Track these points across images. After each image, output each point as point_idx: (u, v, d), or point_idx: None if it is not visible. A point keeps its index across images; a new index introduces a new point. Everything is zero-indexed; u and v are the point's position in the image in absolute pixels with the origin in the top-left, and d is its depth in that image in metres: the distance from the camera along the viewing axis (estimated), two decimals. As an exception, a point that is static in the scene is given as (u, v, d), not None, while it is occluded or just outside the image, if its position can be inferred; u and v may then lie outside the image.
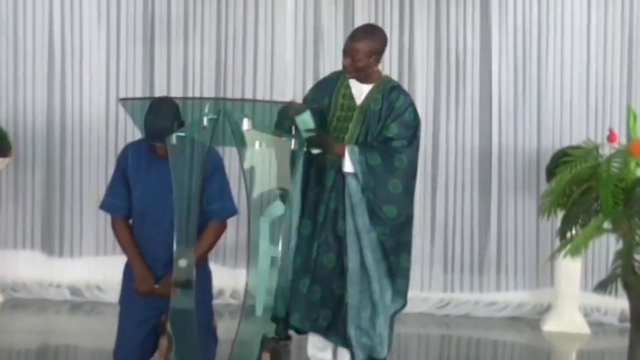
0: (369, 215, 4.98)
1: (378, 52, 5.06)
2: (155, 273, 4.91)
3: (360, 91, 5.12)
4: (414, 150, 5.06)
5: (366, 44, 4.99)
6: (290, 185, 5.08)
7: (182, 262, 4.75)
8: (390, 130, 5.02)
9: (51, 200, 7.44)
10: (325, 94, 5.18)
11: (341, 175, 5.03)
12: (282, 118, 5.00)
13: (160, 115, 4.73)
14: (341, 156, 4.99)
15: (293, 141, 4.81)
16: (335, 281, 5.07)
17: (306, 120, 4.86)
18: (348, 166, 4.98)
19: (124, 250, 5.01)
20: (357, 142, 5.05)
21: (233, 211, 5.04)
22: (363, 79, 5.10)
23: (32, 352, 6.28)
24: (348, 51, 5.03)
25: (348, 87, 5.15)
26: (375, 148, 5.01)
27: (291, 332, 5.21)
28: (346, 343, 5.07)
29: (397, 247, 5.05)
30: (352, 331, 5.03)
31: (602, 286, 4.75)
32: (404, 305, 5.17)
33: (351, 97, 5.13)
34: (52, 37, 7.41)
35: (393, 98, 5.07)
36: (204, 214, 4.85)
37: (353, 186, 4.99)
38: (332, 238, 5.09)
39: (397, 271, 5.08)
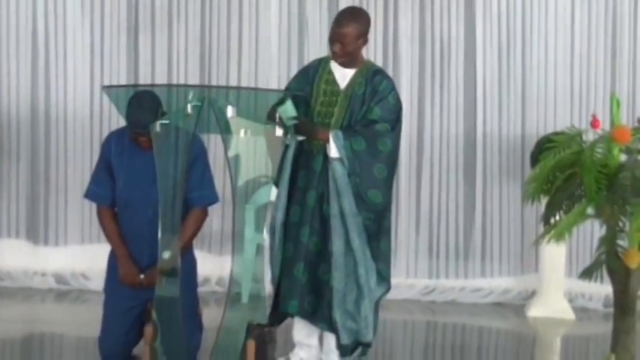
0: (355, 200, 5.00)
1: (364, 34, 5.08)
2: (140, 262, 4.91)
3: (343, 75, 5.12)
4: (397, 135, 5.09)
5: (353, 28, 5.01)
6: (275, 173, 5.08)
7: (165, 254, 4.74)
8: (374, 113, 5.04)
9: (36, 189, 7.41)
10: (307, 82, 5.18)
11: (329, 160, 5.04)
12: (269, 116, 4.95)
13: (142, 107, 4.71)
14: (326, 142, 5.00)
15: (277, 129, 4.80)
16: (320, 265, 5.09)
17: (287, 108, 4.85)
18: (333, 152, 4.99)
19: (109, 240, 5.00)
20: (342, 126, 5.05)
21: (213, 200, 5.03)
22: (347, 64, 5.11)
23: (17, 341, 6.26)
24: (336, 37, 5.02)
25: (331, 72, 5.15)
26: (359, 132, 5.01)
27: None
28: (332, 328, 5.08)
29: (379, 231, 5.07)
30: (338, 315, 5.04)
31: (587, 273, 4.76)
32: (388, 289, 5.20)
33: (335, 82, 5.13)
34: (35, 26, 7.37)
35: (376, 82, 5.09)
36: (186, 202, 4.85)
37: (339, 171, 5.00)
38: (317, 221, 5.10)
39: (379, 256, 5.10)
